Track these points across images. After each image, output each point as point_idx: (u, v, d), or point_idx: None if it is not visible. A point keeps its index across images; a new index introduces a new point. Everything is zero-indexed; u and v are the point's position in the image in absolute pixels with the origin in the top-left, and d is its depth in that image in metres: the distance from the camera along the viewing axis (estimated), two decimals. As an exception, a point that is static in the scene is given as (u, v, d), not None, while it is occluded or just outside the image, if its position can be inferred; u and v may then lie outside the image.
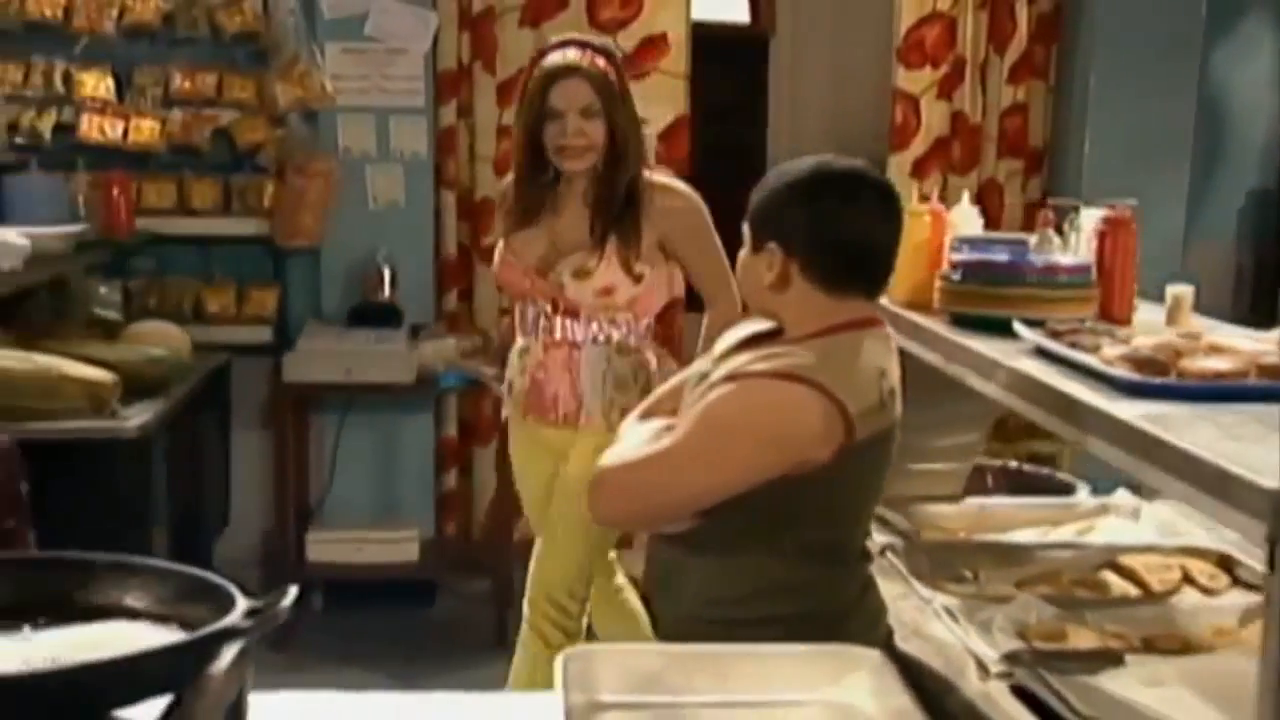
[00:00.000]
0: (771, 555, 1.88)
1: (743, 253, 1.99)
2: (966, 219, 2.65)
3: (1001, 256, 2.34)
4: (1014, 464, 3.27)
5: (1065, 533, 2.63)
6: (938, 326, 2.34)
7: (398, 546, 4.36)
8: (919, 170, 4.92)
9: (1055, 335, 2.04)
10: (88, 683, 1.29)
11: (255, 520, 4.60)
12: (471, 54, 4.63)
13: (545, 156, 2.89)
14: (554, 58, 2.89)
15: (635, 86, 4.74)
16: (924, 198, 3.26)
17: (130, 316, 4.20)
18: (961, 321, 2.32)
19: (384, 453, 4.60)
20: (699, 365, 2.10)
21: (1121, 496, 2.79)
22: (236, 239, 4.49)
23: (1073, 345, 1.96)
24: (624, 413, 2.56)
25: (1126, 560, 2.39)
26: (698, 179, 4.75)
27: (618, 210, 2.88)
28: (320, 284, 4.57)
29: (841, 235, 1.91)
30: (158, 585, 1.58)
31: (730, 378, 1.88)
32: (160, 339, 3.88)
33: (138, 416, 3.40)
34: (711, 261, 2.95)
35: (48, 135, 4.20)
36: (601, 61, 2.90)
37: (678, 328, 4.96)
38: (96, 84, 4.25)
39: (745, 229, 1.98)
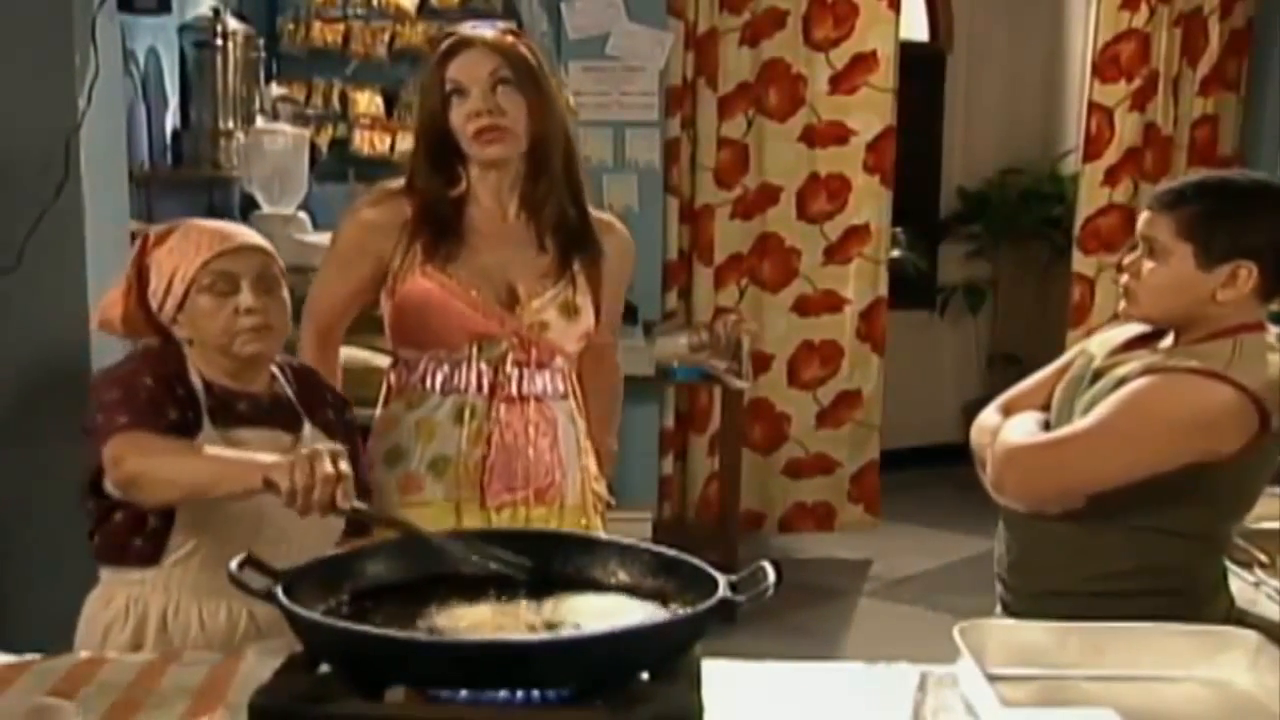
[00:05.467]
0: (1166, 536, 1.94)
1: (1170, 267, 1.95)
2: None
3: None
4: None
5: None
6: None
7: (634, 526, 4.71)
8: (1110, 178, 5.18)
9: None
10: (626, 646, 1.48)
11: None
12: (695, 71, 4.97)
13: (451, 160, 2.27)
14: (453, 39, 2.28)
15: (845, 100, 5.20)
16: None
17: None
18: None
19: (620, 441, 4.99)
20: (1078, 366, 2.09)
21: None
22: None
23: None
24: (596, 491, 2.38)
25: None
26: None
27: (572, 226, 2.30)
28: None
29: None
30: (625, 561, 1.74)
31: (1148, 371, 1.92)
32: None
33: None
34: (617, 306, 2.49)
35: (325, 149, 4.65)
36: (509, 38, 2.27)
37: (881, 325, 5.30)
38: (368, 103, 4.70)
39: (1171, 241, 1.94)
